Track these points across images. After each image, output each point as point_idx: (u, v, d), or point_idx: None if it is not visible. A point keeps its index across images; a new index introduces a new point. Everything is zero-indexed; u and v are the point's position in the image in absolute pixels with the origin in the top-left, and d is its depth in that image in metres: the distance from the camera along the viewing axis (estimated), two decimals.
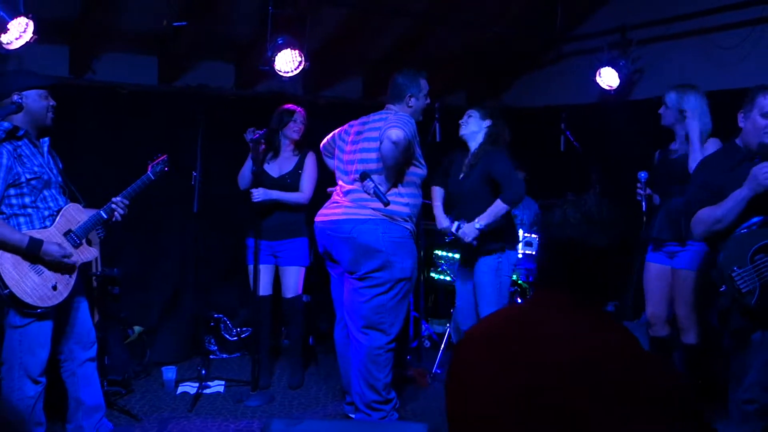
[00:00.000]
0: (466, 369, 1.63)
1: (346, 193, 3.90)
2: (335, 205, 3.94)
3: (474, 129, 4.23)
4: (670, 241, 3.90)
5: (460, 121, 4.29)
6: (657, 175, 4.08)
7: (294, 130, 4.63)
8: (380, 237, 3.74)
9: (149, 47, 5.26)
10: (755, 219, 2.92)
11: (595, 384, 1.38)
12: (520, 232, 5.17)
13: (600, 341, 1.47)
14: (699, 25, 5.31)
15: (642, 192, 4.03)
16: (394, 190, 3.80)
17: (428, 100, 4.00)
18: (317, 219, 4.01)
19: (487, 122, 4.23)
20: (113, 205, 3.48)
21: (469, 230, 4.07)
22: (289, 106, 4.71)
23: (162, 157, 3.71)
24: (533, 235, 5.25)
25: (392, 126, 3.64)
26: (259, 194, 4.44)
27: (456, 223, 4.14)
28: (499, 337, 1.59)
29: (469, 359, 1.64)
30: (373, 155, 3.79)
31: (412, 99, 3.88)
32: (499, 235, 4.14)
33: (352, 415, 4.03)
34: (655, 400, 1.36)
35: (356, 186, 3.85)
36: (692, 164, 3.69)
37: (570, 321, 1.51)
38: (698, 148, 3.79)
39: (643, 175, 4.02)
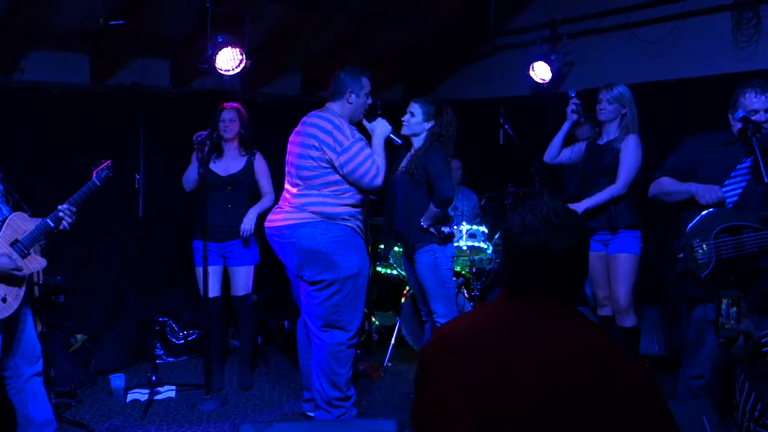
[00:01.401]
0: (438, 370, 1.66)
1: (290, 197, 3.91)
2: (278, 209, 3.95)
3: (416, 130, 4.19)
4: (602, 229, 4.09)
5: (402, 119, 4.22)
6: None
7: (224, 129, 4.55)
8: (319, 238, 3.76)
9: (80, 45, 5.07)
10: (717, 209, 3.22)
11: (572, 384, 1.45)
12: (463, 224, 5.29)
13: (572, 340, 1.54)
14: (625, 20, 5.54)
15: (576, 104, 4.35)
16: (331, 190, 3.81)
17: (369, 100, 3.98)
18: (265, 225, 4.01)
19: (430, 124, 4.17)
20: (60, 213, 3.36)
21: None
22: (224, 104, 4.62)
23: (106, 163, 3.59)
24: (475, 227, 5.38)
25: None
26: (247, 227, 4.47)
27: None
28: (472, 339, 1.64)
29: (441, 360, 1.67)
30: (309, 162, 3.77)
31: (353, 95, 3.89)
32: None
33: (311, 413, 4.06)
34: (631, 397, 1.45)
35: (297, 190, 3.87)
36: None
37: (539, 320, 1.58)
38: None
39: (572, 92, 4.37)
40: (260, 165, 4.66)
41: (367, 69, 4.01)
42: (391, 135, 3.96)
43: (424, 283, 4.23)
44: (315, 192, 3.79)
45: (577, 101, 4.34)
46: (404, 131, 4.22)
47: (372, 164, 3.74)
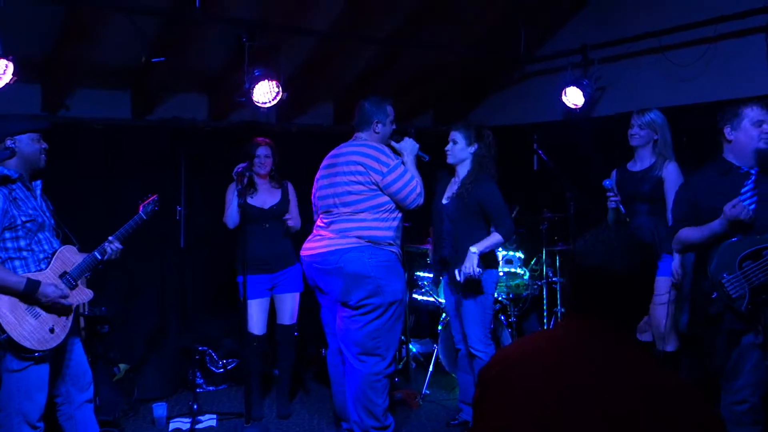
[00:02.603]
0: (495, 393, 1.66)
1: (328, 224, 3.97)
2: (318, 237, 4.00)
3: (461, 156, 4.22)
4: None
5: (445, 148, 4.26)
6: (621, 194, 4.20)
7: (259, 164, 4.65)
8: (367, 263, 3.81)
9: (122, 82, 5.23)
10: (734, 239, 3.16)
11: (627, 413, 1.44)
12: (500, 250, 5.29)
13: (631, 368, 1.53)
14: (657, 43, 5.54)
15: (615, 198, 4.12)
16: (376, 215, 3.87)
17: (394, 126, 4.10)
18: (303, 253, 4.08)
19: (474, 147, 4.21)
20: (107, 247, 3.46)
21: (469, 263, 3.99)
22: (258, 139, 4.71)
23: (153, 197, 3.70)
24: (511, 252, 5.38)
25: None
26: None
27: (456, 273, 4.05)
28: (529, 363, 1.64)
29: (498, 384, 1.67)
30: (355, 187, 3.85)
31: (379, 125, 3.99)
32: (481, 256, 4.15)
33: None
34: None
35: (338, 217, 3.92)
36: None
37: (597, 346, 1.58)
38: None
39: (608, 182, 4.13)
40: (292, 194, 4.81)
41: (397, 96, 4.12)
42: (420, 152, 4.07)
43: (465, 306, 4.20)
44: (361, 216, 3.87)
45: (612, 193, 4.17)
46: (450, 160, 4.25)
47: (417, 184, 3.88)
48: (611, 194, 4.15)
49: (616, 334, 1.60)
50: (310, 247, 4.01)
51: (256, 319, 4.50)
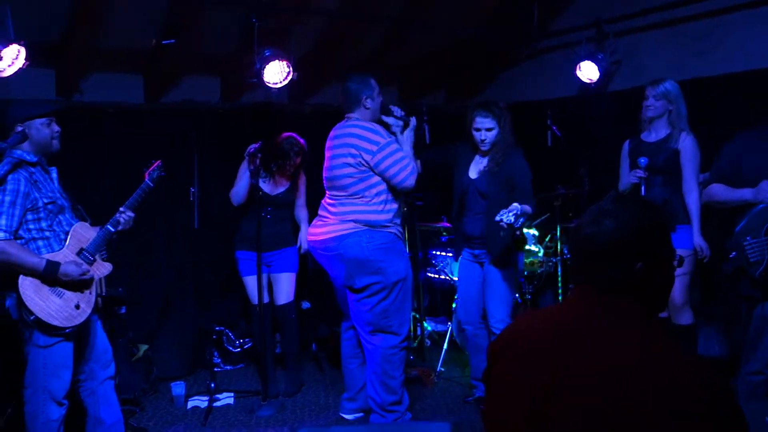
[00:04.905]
0: (499, 368, 1.66)
1: (330, 206, 4.01)
2: (321, 223, 4.04)
3: (498, 140, 4.09)
4: None
5: (478, 136, 4.09)
6: (635, 166, 4.15)
7: (291, 163, 4.70)
8: (365, 247, 3.84)
9: (134, 65, 5.26)
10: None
11: (627, 387, 1.39)
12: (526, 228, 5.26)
13: (632, 341, 1.47)
14: (670, 16, 5.46)
15: (642, 175, 4.03)
16: (372, 197, 3.86)
17: (382, 98, 4.06)
18: (309, 238, 4.14)
19: (500, 128, 4.09)
20: (119, 216, 3.52)
21: (510, 211, 3.69)
22: (287, 138, 4.71)
23: (156, 163, 3.73)
24: (525, 230, 5.35)
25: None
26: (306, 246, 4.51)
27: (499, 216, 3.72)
28: (530, 337, 1.62)
29: (502, 358, 1.66)
30: (347, 170, 3.86)
31: (368, 100, 3.97)
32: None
33: (347, 416, 4.17)
34: (701, 404, 1.35)
35: (337, 201, 3.96)
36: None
37: (597, 319, 1.52)
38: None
39: (643, 160, 4.05)
40: (302, 184, 4.87)
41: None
42: (405, 117, 4.01)
43: (494, 283, 4.12)
44: (356, 200, 3.88)
45: (642, 171, 4.06)
46: (486, 148, 4.11)
47: (408, 164, 3.82)
48: (641, 172, 4.05)
49: (617, 307, 1.52)
50: (314, 233, 4.07)
51: (256, 292, 4.54)
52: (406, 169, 3.81)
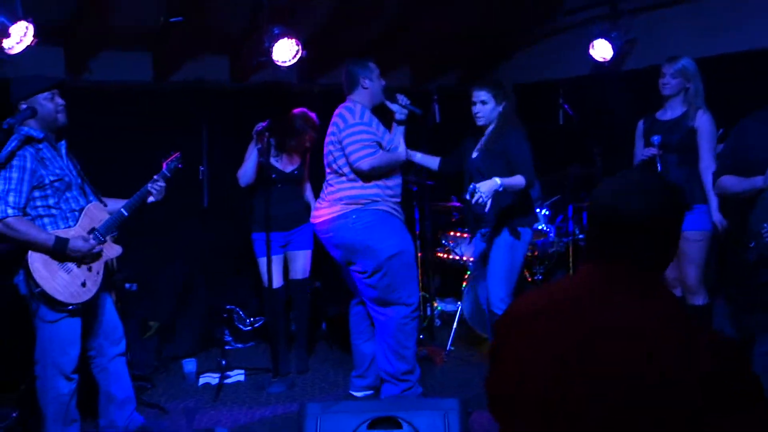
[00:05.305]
0: (514, 342, 1.63)
1: (325, 188, 4.07)
2: (319, 206, 4.09)
3: (492, 117, 4.10)
4: None
5: (474, 111, 4.12)
6: (650, 144, 4.10)
7: (304, 139, 4.69)
8: (351, 228, 3.86)
9: (143, 44, 5.25)
10: None
11: (649, 359, 1.38)
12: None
13: (649, 312, 1.46)
14: None
15: (655, 152, 4.00)
16: (356, 176, 3.88)
17: (383, 82, 4.07)
18: (312, 221, 4.17)
19: (502, 106, 4.10)
20: (150, 186, 3.58)
21: (486, 186, 3.70)
22: (300, 113, 4.70)
23: (176, 155, 3.76)
24: (537, 210, 5.32)
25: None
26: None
27: (472, 185, 3.73)
28: (549, 310, 1.58)
29: (517, 332, 1.63)
30: (332, 147, 3.94)
31: (366, 81, 3.99)
32: (515, 212, 4.09)
33: (356, 393, 4.18)
34: (718, 378, 1.35)
35: (329, 181, 4.02)
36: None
37: (615, 291, 1.51)
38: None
39: (656, 138, 4.01)
40: (308, 158, 4.85)
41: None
42: (411, 107, 4.01)
43: (493, 263, 4.14)
44: (343, 179, 3.91)
45: (655, 149, 4.04)
46: (481, 122, 4.12)
47: (365, 148, 3.81)
48: (653, 150, 4.02)
49: (635, 280, 1.52)
50: (315, 215, 4.11)
51: (273, 274, 4.55)
52: (360, 151, 3.81)
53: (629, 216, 1.49)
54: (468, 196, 3.73)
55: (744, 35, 5.09)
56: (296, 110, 4.70)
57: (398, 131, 4.04)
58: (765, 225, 3.06)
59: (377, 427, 2.83)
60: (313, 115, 4.71)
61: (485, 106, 4.09)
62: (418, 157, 4.37)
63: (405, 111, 4.01)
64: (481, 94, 4.08)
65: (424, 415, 2.84)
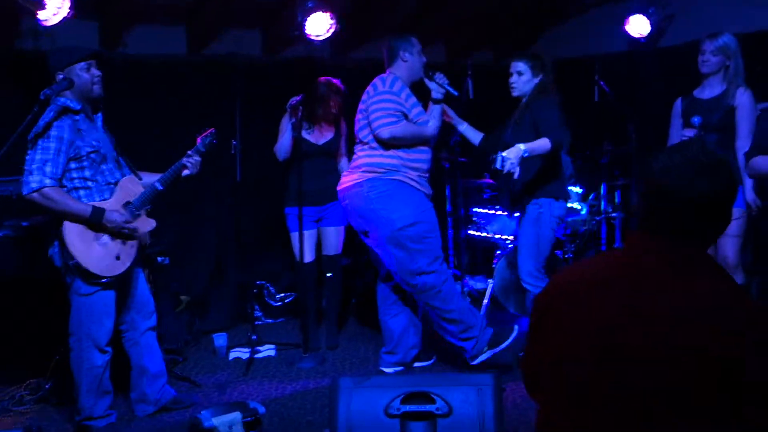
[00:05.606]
0: (557, 315, 1.60)
1: (353, 158, 4.10)
2: (343, 174, 4.13)
3: (527, 89, 4.07)
4: None
5: (510, 81, 4.10)
6: (688, 123, 4.00)
7: (329, 104, 4.64)
8: (366, 197, 3.87)
9: (176, 17, 5.25)
10: None
11: (701, 331, 1.36)
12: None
13: (705, 287, 1.44)
14: None
15: (692, 134, 3.91)
16: (379, 145, 3.89)
17: (423, 58, 4.05)
18: (337, 188, 4.16)
19: (539, 78, 4.06)
20: (186, 160, 3.60)
21: (512, 153, 3.64)
22: (320, 79, 4.68)
23: (210, 130, 3.76)
24: (569, 187, 5.24)
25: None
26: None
27: (498, 154, 3.66)
28: (596, 282, 1.56)
29: (560, 305, 1.60)
30: (360, 116, 4.01)
31: (406, 54, 3.99)
32: (541, 184, 4.04)
33: (387, 369, 4.18)
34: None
35: (356, 151, 4.05)
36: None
37: (672, 265, 1.48)
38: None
39: (697, 119, 3.92)
40: (344, 132, 4.78)
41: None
42: (448, 87, 3.97)
43: (521, 237, 4.17)
44: (366, 147, 3.94)
45: (691, 132, 3.95)
46: (516, 93, 4.12)
47: (388, 116, 3.81)
48: (693, 132, 3.92)
49: (691, 255, 1.49)
50: (339, 184, 4.11)
51: (305, 249, 4.55)
52: (383, 119, 3.81)
53: (695, 195, 1.47)
54: (498, 166, 3.64)
55: None
56: (320, 79, 4.69)
57: (434, 109, 4.01)
58: None
59: (410, 402, 2.83)
60: (337, 81, 4.68)
61: (521, 78, 4.07)
62: (463, 127, 4.37)
63: (442, 90, 3.98)
64: (518, 65, 4.07)
65: (458, 390, 2.83)
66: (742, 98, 3.87)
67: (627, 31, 5.59)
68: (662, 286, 1.46)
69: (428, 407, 2.80)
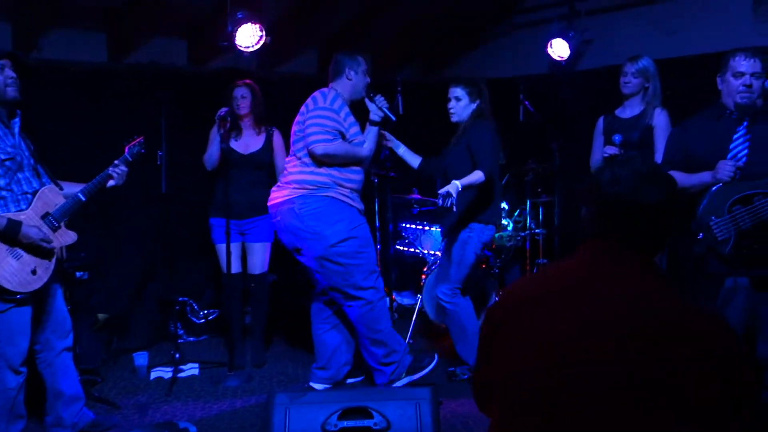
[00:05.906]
0: (511, 327, 1.59)
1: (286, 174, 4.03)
2: (273, 190, 4.04)
3: (465, 114, 4.16)
4: None
5: (449, 107, 4.18)
6: (609, 141, 4.14)
7: (236, 106, 4.58)
8: (298, 214, 3.82)
9: (97, 23, 5.05)
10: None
11: (650, 340, 1.40)
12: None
13: (655, 295, 1.49)
14: None
15: (614, 152, 4.02)
16: (310, 159, 3.85)
17: (368, 78, 4.05)
18: (268, 203, 4.08)
19: (476, 104, 4.15)
20: (112, 170, 3.44)
21: (450, 188, 3.81)
22: (237, 81, 4.65)
23: (139, 139, 3.62)
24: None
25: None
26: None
27: (439, 191, 3.88)
28: (549, 293, 1.57)
29: (514, 318, 1.59)
30: (296, 128, 3.94)
31: (351, 72, 3.98)
32: (474, 210, 4.13)
33: (317, 385, 4.09)
34: (715, 360, 1.38)
35: (288, 165, 3.99)
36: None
37: (622, 274, 1.53)
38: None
39: (617, 137, 4.06)
40: (278, 142, 4.68)
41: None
42: (387, 111, 3.97)
43: (446, 256, 4.27)
44: (298, 162, 3.89)
45: (615, 149, 4.04)
46: (454, 119, 4.19)
47: (324, 133, 3.78)
48: (614, 149, 4.03)
49: (639, 263, 1.56)
50: (269, 200, 4.03)
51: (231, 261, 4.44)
52: (318, 135, 3.77)
53: (648, 204, 1.55)
54: (440, 202, 3.82)
55: (700, 38, 5.22)
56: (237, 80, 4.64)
57: (370, 131, 4.00)
58: (713, 218, 3.15)
59: (348, 417, 2.79)
60: (250, 81, 4.64)
61: (459, 103, 4.15)
62: (402, 150, 4.34)
63: (380, 114, 3.97)
64: (456, 91, 4.15)
65: (396, 404, 2.81)
66: (660, 118, 4.07)
67: (549, 54, 5.78)
68: (615, 292, 1.50)
69: (366, 422, 2.78)
